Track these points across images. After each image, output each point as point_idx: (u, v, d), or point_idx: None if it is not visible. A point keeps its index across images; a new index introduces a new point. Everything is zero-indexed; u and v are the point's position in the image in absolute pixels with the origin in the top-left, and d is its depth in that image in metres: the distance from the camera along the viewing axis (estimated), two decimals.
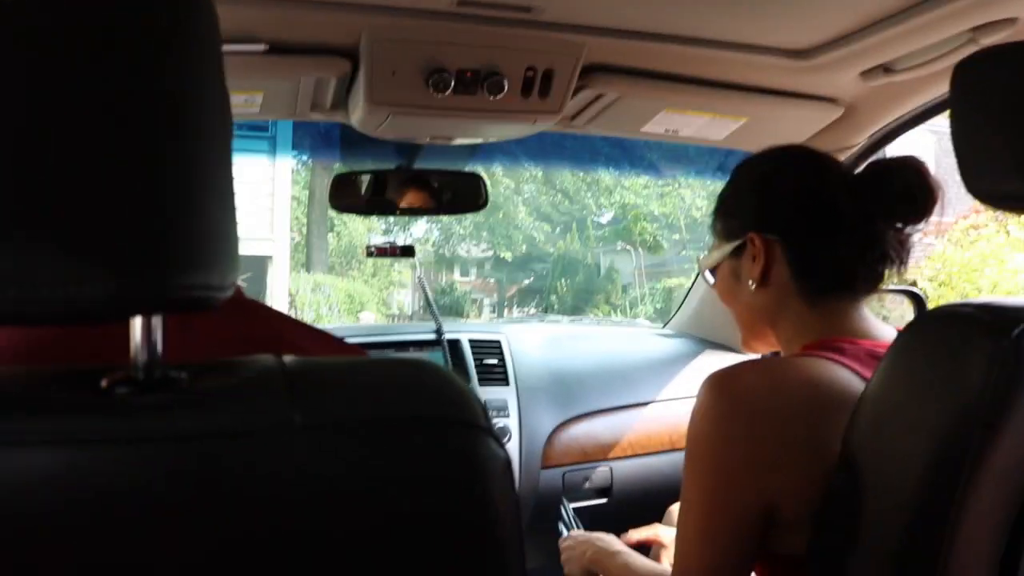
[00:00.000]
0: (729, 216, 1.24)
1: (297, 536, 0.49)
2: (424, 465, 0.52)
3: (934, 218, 1.14)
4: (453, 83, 1.51)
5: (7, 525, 0.46)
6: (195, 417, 0.49)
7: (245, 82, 1.54)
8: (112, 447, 0.48)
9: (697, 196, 14.46)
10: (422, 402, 0.54)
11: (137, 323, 0.52)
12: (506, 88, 1.54)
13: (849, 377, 1.05)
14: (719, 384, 1.07)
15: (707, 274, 1.31)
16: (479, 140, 1.82)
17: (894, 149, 1.97)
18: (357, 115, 1.64)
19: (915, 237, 1.19)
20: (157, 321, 0.52)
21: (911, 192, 1.13)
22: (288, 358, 0.54)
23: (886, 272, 1.17)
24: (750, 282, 1.19)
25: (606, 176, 15.14)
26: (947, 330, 0.95)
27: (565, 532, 1.67)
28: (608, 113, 1.76)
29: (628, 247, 14.56)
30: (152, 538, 0.47)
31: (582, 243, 15.31)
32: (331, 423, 0.51)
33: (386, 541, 0.51)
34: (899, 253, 1.17)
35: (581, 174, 15.29)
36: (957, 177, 0.93)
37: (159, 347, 0.52)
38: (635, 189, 15.07)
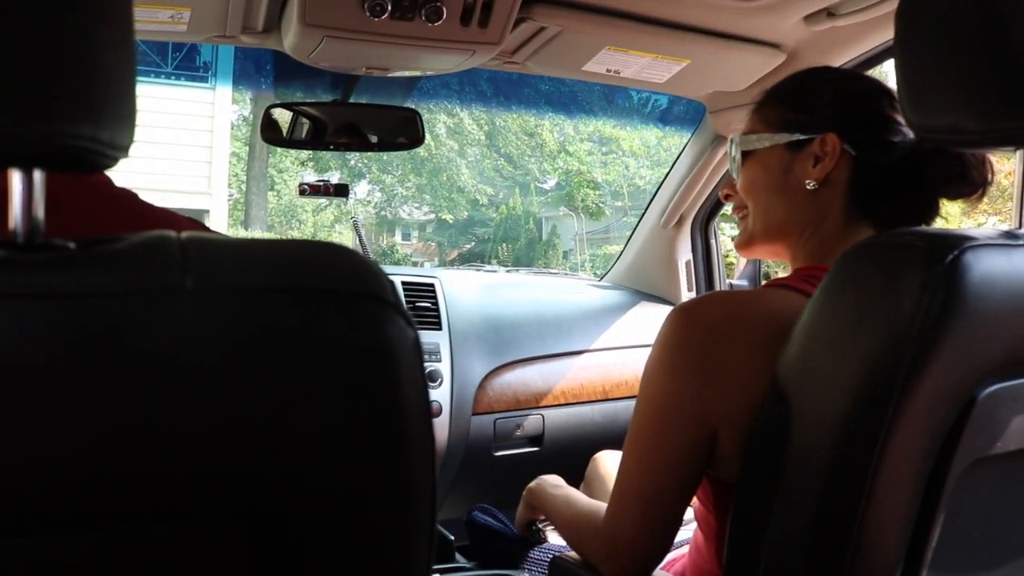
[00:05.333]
0: (797, 108, 1.17)
1: (184, 398, 0.46)
2: (326, 336, 0.48)
3: None
4: (390, 7, 1.46)
5: None
6: (79, 276, 0.45)
7: None
8: None
9: (641, 165, 14.49)
10: (328, 274, 0.50)
11: (16, 178, 0.47)
12: (444, 15, 1.49)
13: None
14: (683, 314, 1.06)
15: (736, 154, 1.21)
16: (416, 73, 1.76)
17: None
18: (290, 39, 1.57)
19: None
20: (39, 177, 0.47)
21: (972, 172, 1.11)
22: (187, 232, 0.50)
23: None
24: (807, 182, 1.13)
25: (551, 141, 15.10)
26: (881, 257, 0.94)
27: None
28: (549, 48, 1.72)
29: (571, 213, 14.56)
30: (28, 395, 0.44)
31: (525, 208, 15.25)
32: (227, 288, 0.47)
33: (279, 409, 0.47)
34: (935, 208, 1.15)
35: (526, 138, 15.21)
36: None
37: (40, 208, 0.47)
38: (579, 156, 15.04)
